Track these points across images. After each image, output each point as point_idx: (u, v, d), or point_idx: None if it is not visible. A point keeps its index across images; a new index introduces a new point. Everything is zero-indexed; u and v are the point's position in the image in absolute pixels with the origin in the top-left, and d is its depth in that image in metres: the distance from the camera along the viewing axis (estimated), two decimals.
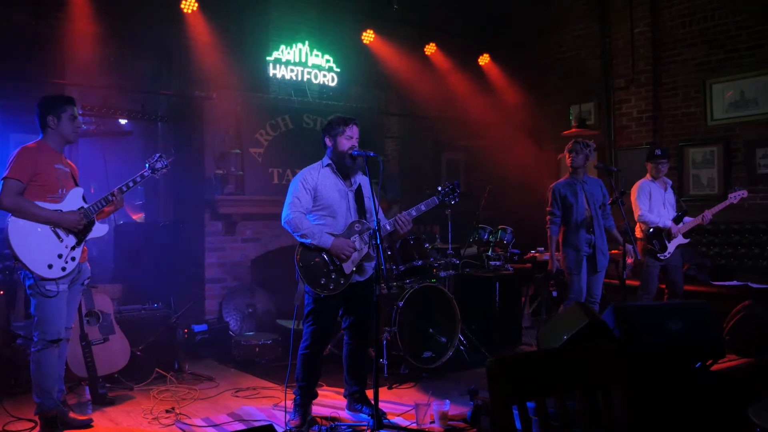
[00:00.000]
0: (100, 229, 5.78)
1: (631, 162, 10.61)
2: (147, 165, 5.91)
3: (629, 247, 7.36)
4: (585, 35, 11.98)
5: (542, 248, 9.81)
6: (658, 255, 8.07)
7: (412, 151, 12.73)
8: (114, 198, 5.69)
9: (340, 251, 5.62)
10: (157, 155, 5.98)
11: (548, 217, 7.67)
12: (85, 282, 5.88)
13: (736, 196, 8.20)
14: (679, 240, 8.18)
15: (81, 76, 8.74)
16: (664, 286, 8.36)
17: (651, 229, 8.12)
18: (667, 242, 8.09)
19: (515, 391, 2.33)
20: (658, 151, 8.38)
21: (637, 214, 8.22)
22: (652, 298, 8.21)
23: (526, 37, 12.66)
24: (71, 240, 5.52)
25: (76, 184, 5.74)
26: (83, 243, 5.64)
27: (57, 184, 5.51)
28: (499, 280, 8.52)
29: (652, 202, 8.23)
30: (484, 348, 8.06)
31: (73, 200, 5.60)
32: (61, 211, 5.45)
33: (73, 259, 5.52)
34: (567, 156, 7.69)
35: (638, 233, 8.31)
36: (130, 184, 5.79)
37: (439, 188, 6.08)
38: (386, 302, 7.42)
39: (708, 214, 8.18)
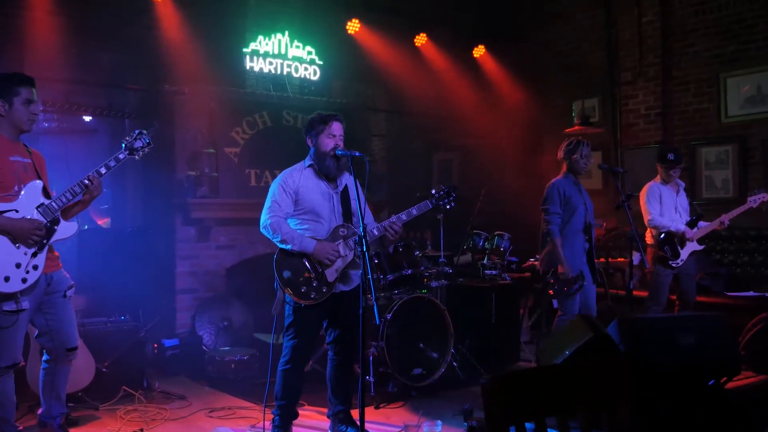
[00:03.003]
0: (67, 229, 5.32)
1: (638, 162, 10.64)
2: (123, 145, 5.48)
3: (637, 255, 7.35)
4: (589, 25, 12.01)
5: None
6: (670, 262, 8.06)
7: (401, 150, 12.71)
8: (84, 189, 5.25)
9: (323, 256, 5.61)
10: (137, 131, 5.52)
11: (547, 216, 7.30)
12: (68, 292, 5.50)
13: (756, 200, 8.16)
14: (693, 246, 8.17)
15: (41, 69, 8.62)
16: (674, 297, 8.36)
17: (662, 235, 8.11)
18: (679, 248, 8.08)
19: (513, 411, 2.33)
20: (671, 155, 8.26)
21: (646, 219, 8.19)
22: (662, 309, 8.19)
23: (525, 28, 12.67)
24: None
25: (39, 177, 5.31)
26: (46, 247, 5.21)
27: (12, 180, 5.11)
28: (495, 291, 8.54)
29: (663, 206, 8.20)
30: (479, 364, 8.06)
31: (30, 196, 5.16)
32: (15, 211, 5.05)
33: (35, 267, 5.12)
34: (568, 157, 7.49)
35: (648, 239, 8.31)
36: (102, 170, 5.34)
37: (433, 191, 6.07)
38: (372, 314, 7.40)
39: (726, 218, 8.16)
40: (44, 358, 5.59)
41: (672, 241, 8.10)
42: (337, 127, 5.80)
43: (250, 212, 8.13)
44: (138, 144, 5.51)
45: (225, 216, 9.55)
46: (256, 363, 8.14)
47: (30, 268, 5.09)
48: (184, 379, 8.07)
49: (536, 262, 9.88)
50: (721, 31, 10.26)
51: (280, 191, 5.75)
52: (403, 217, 5.84)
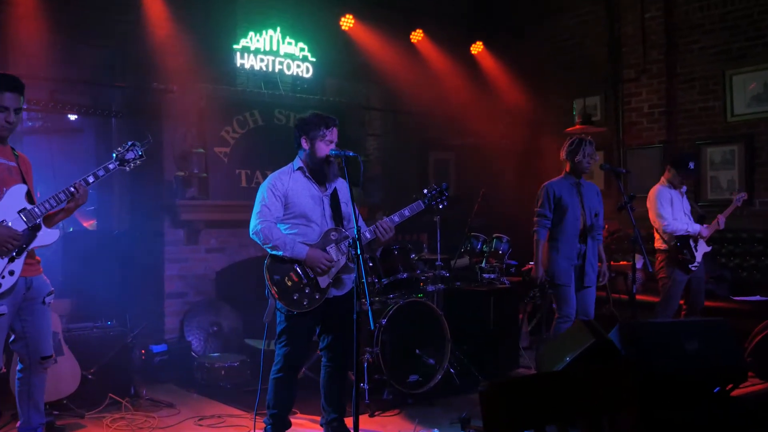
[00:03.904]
0: (48, 236, 5.26)
1: (642, 162, 10.64)
2: (114, 155, 5.40)
3: (640, 258, 7.34)
4: (590, 21, 12.01)
5: None
6: (690, 266, 8.06)
7: (396, 150, 12.71)
8: (69, 197, 5.14)
9: (315, 264, 5.59)
10: (129, 143, 5.44)
11: (537, 218, 7.42)
12: (47, 299, 5.43)
13: (739, 198, 8.39)
14: (704, 248, 8.19)
15: (25, 67, 8.63)
16: (681, 302, 8.35)
17: (677, 240, 8.10)
18: (695, 251, 8.08)
19: (512, 419, 2.33)
20: (692, 165, 8.32)
21: (660, 224, 8.18)
22: (672, 315, 8.18)
23: (525, 23, 12.68)
24: None
25: (24, 181, 5.23)
26: (24, 253, 5.12)
27: None
28: (493, 295, 8.52)
29: (674, 210, 8.22)
30: (476, 371, 8.05)
31: (13, 200, 5.09)
32: None
33: (11, 273, 5.04)
34: (570, 156, 7.48)
35: (658, 244, 8.30)
36: (90, 179, 5.25)
37: (425, 191, 6.05)
38: (367, 320, 7.39)
39: (722, 218, 8.25)
40: (18, 367, 5.53)
41: (688, 244, 8.09)
42: (335, 134, 5.78)
43: (240, 214, 8.10)
44: (130, 156, 5.43)
45: (215, 218, 9.52)
46: (246, 370, 8.13)
47: (6, 274, 5.01)
48: (172, 386, 8.04)
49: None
50: (727, 27, 10.26)
51: (270, 195, 5.71)
52: (396, 218, 5.83)
